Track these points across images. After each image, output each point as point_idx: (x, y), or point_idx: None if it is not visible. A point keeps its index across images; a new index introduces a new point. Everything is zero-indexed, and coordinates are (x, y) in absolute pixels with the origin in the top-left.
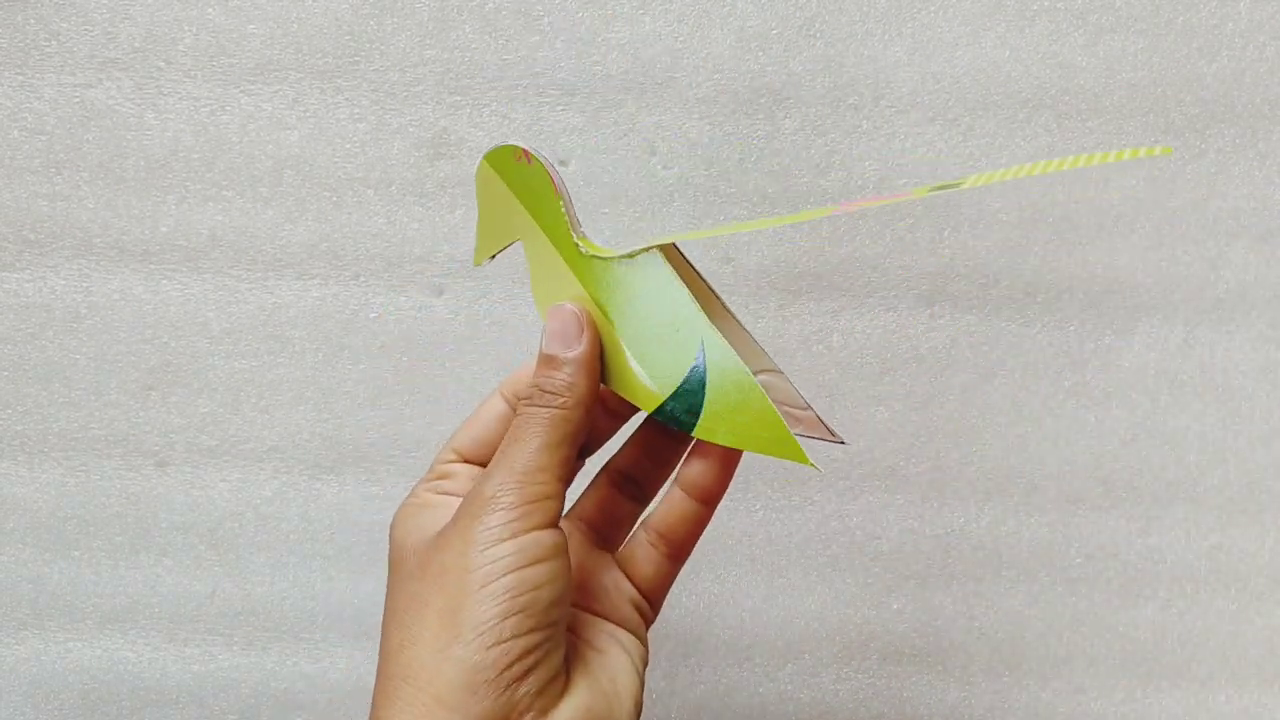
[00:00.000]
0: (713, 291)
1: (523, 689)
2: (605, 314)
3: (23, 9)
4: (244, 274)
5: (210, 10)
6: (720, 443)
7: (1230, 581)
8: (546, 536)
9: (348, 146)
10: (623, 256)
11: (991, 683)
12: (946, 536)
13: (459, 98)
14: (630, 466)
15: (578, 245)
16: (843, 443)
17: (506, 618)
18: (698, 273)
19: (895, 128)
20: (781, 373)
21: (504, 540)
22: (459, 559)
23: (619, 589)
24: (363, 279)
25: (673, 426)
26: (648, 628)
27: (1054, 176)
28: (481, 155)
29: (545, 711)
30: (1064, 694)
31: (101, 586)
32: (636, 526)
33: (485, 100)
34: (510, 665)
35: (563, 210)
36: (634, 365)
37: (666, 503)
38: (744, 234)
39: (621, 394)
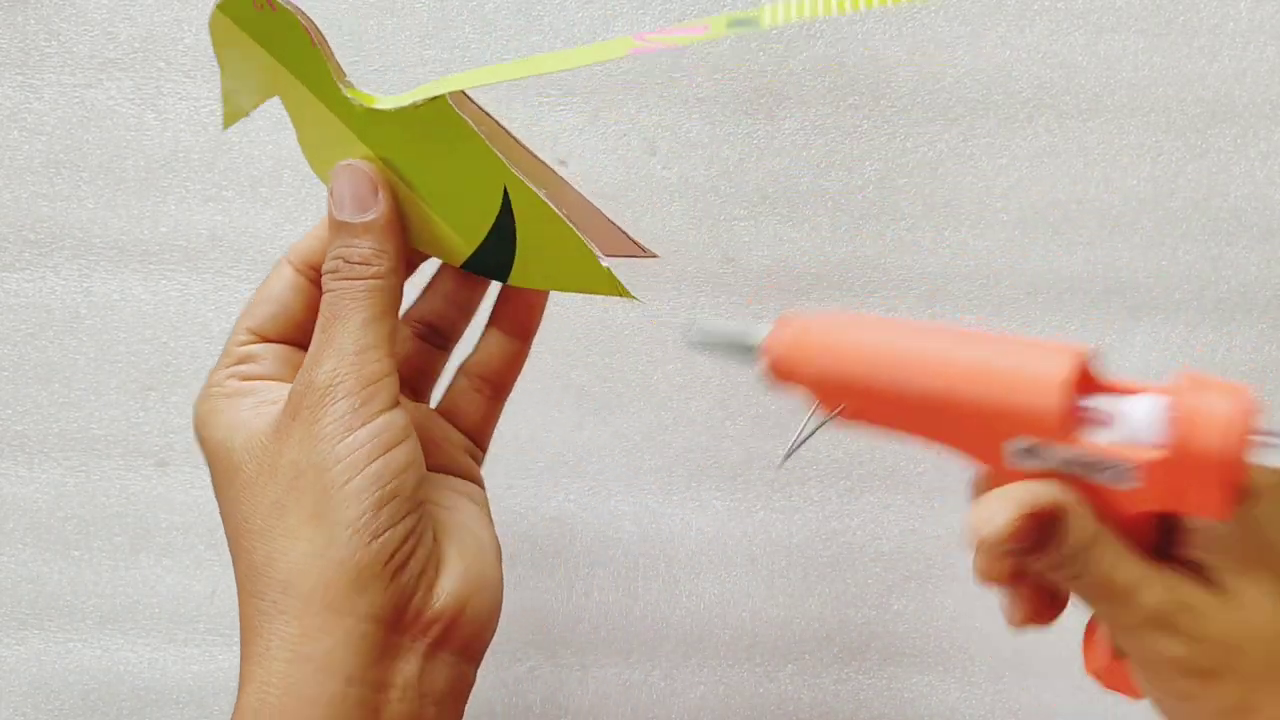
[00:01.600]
0: (502, 127)
1: (406, 573)
2: (395, 168)
3: (23, 9)
4: (244, 274)
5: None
6: (536, 287)
7: None
8: (397, 416)
9: None
10: (403, 107)
11: (993, 683)
12: (947, 536)
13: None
14: (433, 317)
15: (349, 99)
16: (655, 256)
17: (380, 508)
18: (486, 113)
19: (895, 128)
20: (586, 200)
21: (355, 429)
22: (311, 456)
23: (449, 439)
24: None
25: (486, 276)
26: (479, 467)
27: (1055, 176)
28: (212, 11)
29: (430, 587)
30: (1064, 694)
31: (101, 586)
32: (455, 373)
33: (485, 100)
34: (393, 554)
35: (325, 61)
36: (438, 220)
37: (484, 345)
38: (745, 236)
39: (425, 250)
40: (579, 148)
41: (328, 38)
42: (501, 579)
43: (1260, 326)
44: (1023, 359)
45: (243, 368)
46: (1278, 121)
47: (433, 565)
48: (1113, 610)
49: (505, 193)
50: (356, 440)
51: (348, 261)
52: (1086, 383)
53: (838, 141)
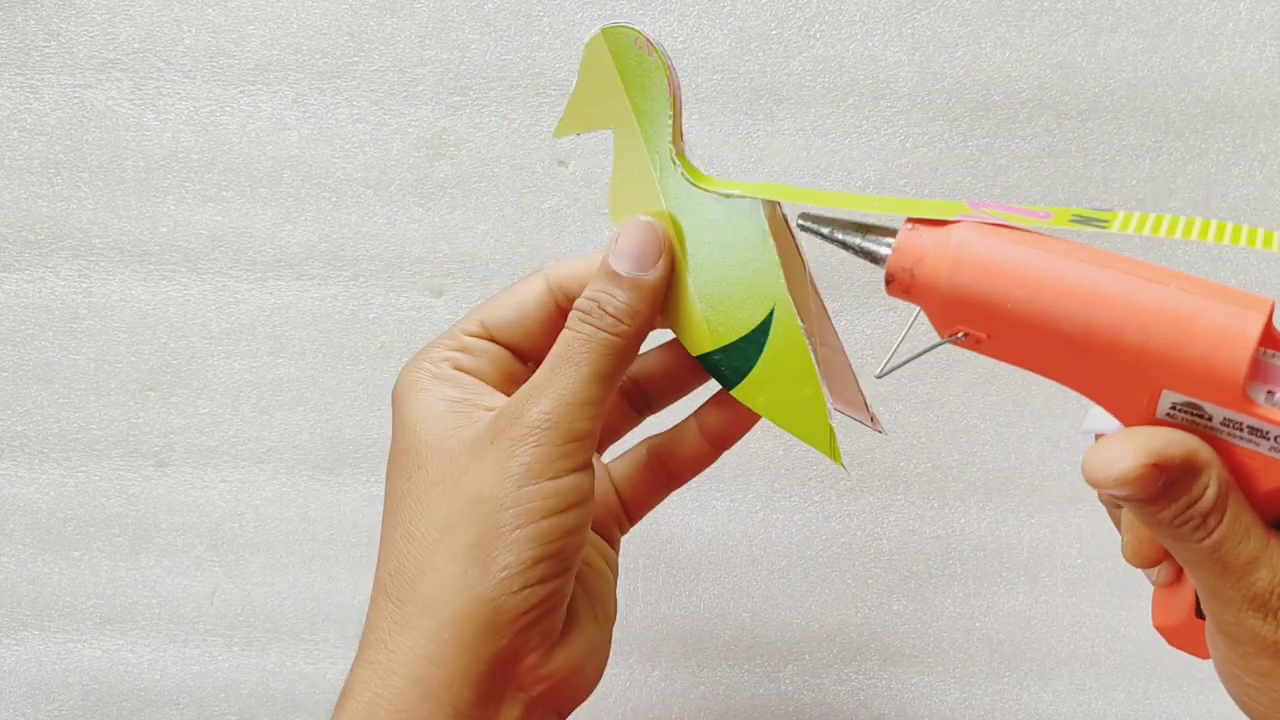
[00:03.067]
0: (804, 263)
1: (538, 631)
2: (680, 242)
3: (23, 9)
4: (243, 274)
5: (210, 10)
6: (756, 410)
7: None
8: (584, 480)
9: (347, 147)
10: (722, 194)
11: (992, 683)
12: (947, 537)
13: (459, 98)
14: (646, 381)
15: (674, 161)
16: (881, 432)
17: (536, 563)
18: (794, 239)
19: (895, 128)
20: (844, 353)
21: (544, 480)
22: (495, 489)
23: (610, 505)
24: (362, 279)
25: (712, 375)
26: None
27: (1054, 176)
28: (595, 32)
29: (551, 649)
30: (1065, 694)
31: (101, 587)
32: (639, 443)
33: (485, 100)
34: (531, 609)
35: (669, 117)
36: (696, 305)
37: (678, 432)
38: None
39: (672, 329)
40: (579, 148)
41: (327, 37)
42: (609, 647)
43: None
44: (1207, 306)
45: (460, 356)
46: (1277, 122)
47: (558, 627)
48: (1222, 583)
49: (772, 313)
50: (541, 491)
51: (602, 309)
52: (1270, 338)
53: (838, 141)
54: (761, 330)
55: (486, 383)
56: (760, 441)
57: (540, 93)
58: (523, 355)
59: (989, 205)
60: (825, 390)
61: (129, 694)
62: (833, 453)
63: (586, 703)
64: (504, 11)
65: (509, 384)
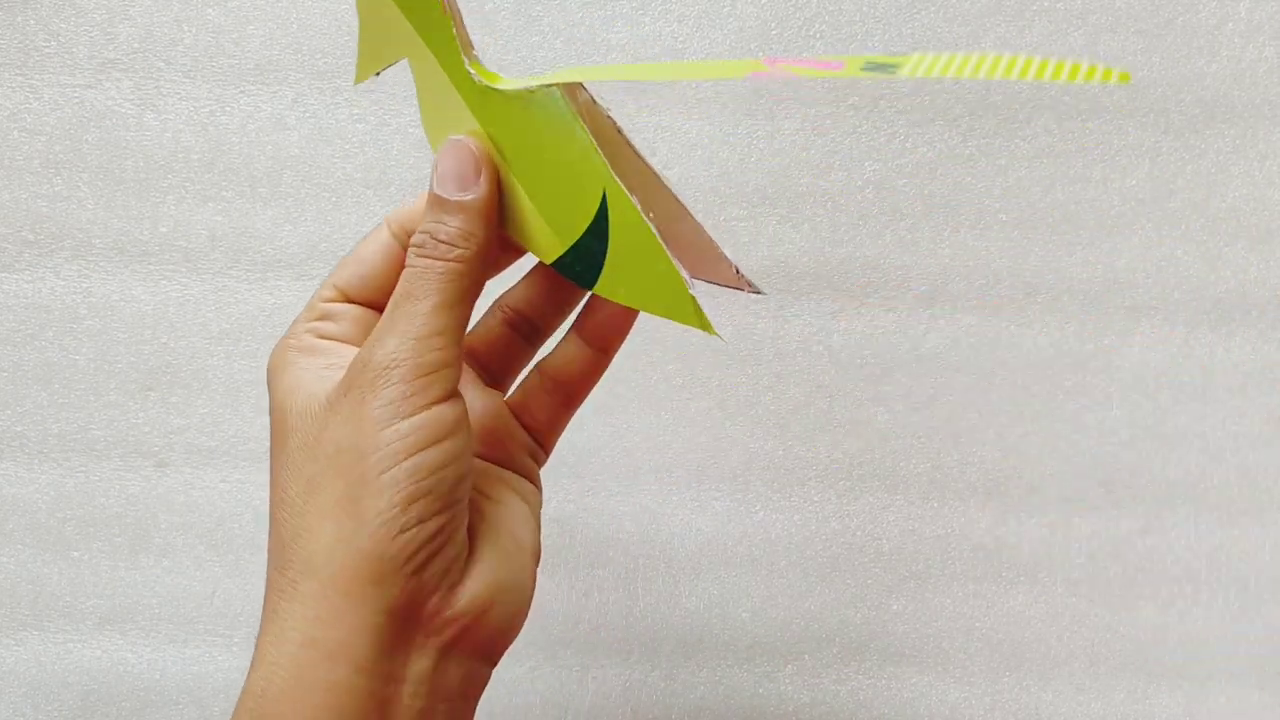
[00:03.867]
0: (625, 138)
1: (429, 571)
2: (502, 151)
3: (23, 9)
4: (243, 274)
5: (210, 10)
6: (620, 301)
7: (1230, 582)
8: (447, 411)
9: (347, 147)
10: (519, 90)
11: (992, 683)
12: (946, 537)
13: None
14: (526, 307)
15: (470, 74)
16: (760, 293)
17: (410, 504)
18: (610, 118)
19: (895, 128)
20: (692, 217)
21: (401, 418)
22: (353, 438)
23: (514, 435)
24: None
25: (571, 280)
26: (539, 469)
27: (1054, 176)
28: None
29: (453, 588)
30: (1064, 694)
31: (101, 587)
32: (530, 369)
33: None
34: (416, 551)
35: (453, 31)
36: (534, 212)
37: (563, 348)
38: (745, 236)
39: (518, 240)
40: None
41: (327, 37)
42: (533, 584)
43: (1259, 326)
44: None
45: (321, 324)
46: (1277, 122)
47: (458, 565)
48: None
49: (604, 198)
50: (399, 431)
51: (434, 239)
52: None
53: (838, 141)
54: (600, 219)
55: (352, 344)
56: (760, 441)
57: None
58: (382, 308)
59: (783, 60)
60: (676, 261)
61: (129, 694)
62: (701, 323)
63: (586, 702)
64: (504, 11)
65: None
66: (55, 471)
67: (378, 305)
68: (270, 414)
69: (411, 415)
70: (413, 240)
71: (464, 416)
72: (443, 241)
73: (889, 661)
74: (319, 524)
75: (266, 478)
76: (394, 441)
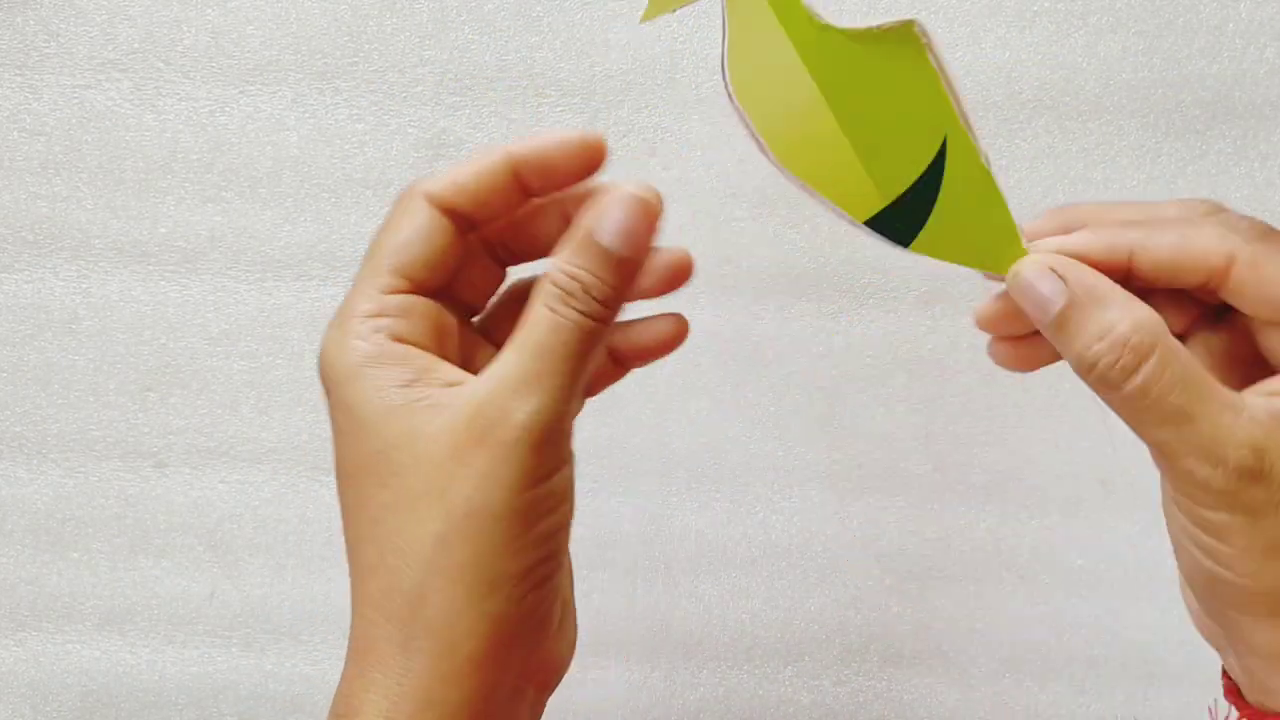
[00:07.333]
0: (949, 80)
1: (548, 629)
2: (829, 98)
3: (23, 9)
4: (243, 275)
5: (209, 11)
6: (936, 257)
7: None
8: (569, 470)
9: (347, 147)
10: (868, 28)
11: (992, 685)
12: (947, 538)
13: (458, 98)
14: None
15: (812, 12)
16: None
17: (537, 566)
18: (941, 62)
19: None
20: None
21: (538, 484)
22: (487, 500)
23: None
24: None
25: (883, 236)
26: None
27: (1054, 177)
28: None
29: (559, 639)
30: (1064, 695)
31: (100, 588)
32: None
33: (484, 101)
34: (536, 610)
35: None
36: (854, 162)
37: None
38: (745, 236)
39: (827, 195)
40: None
41: (327, 37)
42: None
43: None
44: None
45: (392, 323)
46: (1278, 123)
47: (565, 614)
48: (1159, 432)
49: (944, 145)
50: (535, 496)
51: (587, 292)
52: None
53: None
54: (935, 169)
55: (426, 349)
56: (760, 442)
57: (540, 93)
58: (438, 295)
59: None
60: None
61: (128, 695)
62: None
63: (587, 703)
64: (504, 11)
65: (441, 340)
66: (55, 472)
67: (434, 293)
68: (344, 427)
69: (547, 479)
70: (556, 282)
71: (574, 472)
72: (597, 300)
73: (889, 663)
74: (448, 586)
75: (266, 477)
76: (530, 507)
